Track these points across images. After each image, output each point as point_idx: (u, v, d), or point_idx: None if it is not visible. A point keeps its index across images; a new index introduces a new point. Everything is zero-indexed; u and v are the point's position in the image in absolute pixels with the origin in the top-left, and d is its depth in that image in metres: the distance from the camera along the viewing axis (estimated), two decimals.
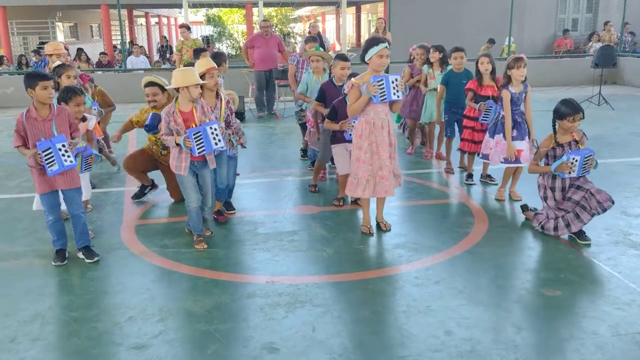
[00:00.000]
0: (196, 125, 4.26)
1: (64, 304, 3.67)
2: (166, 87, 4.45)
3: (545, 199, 4.62)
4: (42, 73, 4.17)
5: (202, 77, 4.52)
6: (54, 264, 4.21)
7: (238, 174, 5.69)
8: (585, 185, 4.40)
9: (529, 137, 5.27)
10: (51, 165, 3.98)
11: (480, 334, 3.21)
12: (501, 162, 5.38)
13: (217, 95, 4.78)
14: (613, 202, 4.32)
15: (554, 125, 4.46)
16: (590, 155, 4.33)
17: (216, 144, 4.29)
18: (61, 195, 4.24)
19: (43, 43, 17.55)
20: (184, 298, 3.69)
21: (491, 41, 14.90)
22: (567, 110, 4.35)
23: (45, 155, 3.95)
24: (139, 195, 5.70)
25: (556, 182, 4.50)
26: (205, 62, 4.68)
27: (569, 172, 4.34)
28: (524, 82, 5.23)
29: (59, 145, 3.99)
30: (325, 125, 5.29)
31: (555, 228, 4.51)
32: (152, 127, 5.03)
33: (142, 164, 5.59)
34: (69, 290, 3.86)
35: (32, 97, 4.01)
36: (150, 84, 5.43)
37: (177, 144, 4.25)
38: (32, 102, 4.04)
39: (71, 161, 4.06)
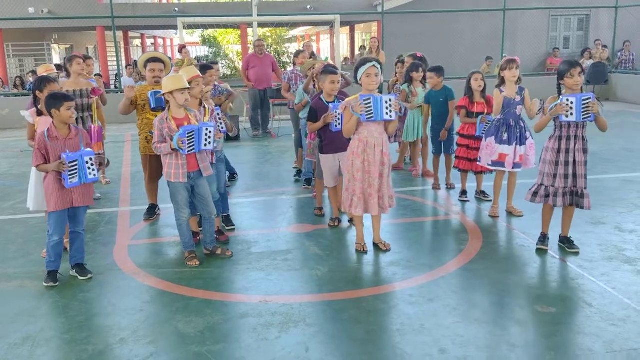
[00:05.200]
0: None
1: (56, 326, 3.63)
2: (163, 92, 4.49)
3: (544, 161, 4.48)
4: (66, 94, 4.23)
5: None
6: (45, 285, 4.17)
7: (229, 185, 5.62)
8: (581, 180, 4.39)
9: (520, 144, 5.27)
10: (72, 178, 4.06)
11: (475, 352, 3.18)
12: (488, 165, 5.40)
13: (201, 103, 4.81)
14: (589, 209, 4.45)
15: (558, 87, 4.41)
16: (589, 98, 4.18)
17: (205, 145, 4.37)
18: None
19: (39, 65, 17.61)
20: (176, 319, 3.66)
21: (489, 58, 15.10)
22: (564, 68, 4.32)
23: (71, 167, 4.03)
24: (151, 215, 5.71)
25: (561, 143, 4.37)
26: (190, 70, 4.74)
27: (567, 116, 4.21)
28: (518, 85, 5.27)
29: (86, 158, 4.11)
30: (308, 128, 5.29)
31: (535, 194, 4.53)
32: (158, 102, 5.00)
33: (156, 166, 5.39)
34: (60, 312, 3.82)
35: (54, 117, 4.10)
36: (155, 59, 5.41)
37: (173, 149, 4.28)
38: (52, 121, 4.13)
39: (94, 175, 4.17)
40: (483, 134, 5.59)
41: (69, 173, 4.04)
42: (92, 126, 6.06)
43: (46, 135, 4.08)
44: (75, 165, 4.06)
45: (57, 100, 4.07)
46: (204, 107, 4.82)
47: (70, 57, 6.37)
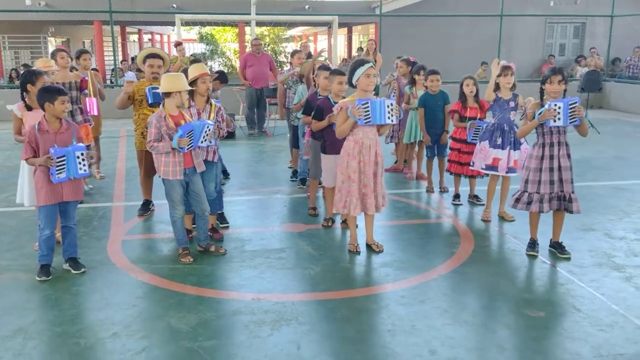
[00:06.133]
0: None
1: (48, 319, 3.64)
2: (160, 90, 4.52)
3: (527, 168, 4.54)
4: (60, 88, 4.22)
5: (195, 81, 4.66)
6: (38, 279, 4.17)
7: (223, 183, 5.64)
8: (567, 185, 4.44)
9: (514, 149, 5.32)
10: (60, 173, 4.05)
11: (464, 354, 3.22)
12: (482, 169, 5.46)
13: (208, 100, 4.83)
14: (579, 212, 4.50)
15: (540, 92, 4.48)
16: (575, 103, 4.26)
17: (202, 142, 4.42)
18: None
19: (35, 58, 17.57)
20: (169, 314, 3.67)
21: (484, 63, 15.18)
22: (546, 74, 4.42)
23: (58, 162, 4.02)
24: (145, 210, 5.72)
25: (545, 150, 4.42)
26: (198, 68, 4.75)
27: (555, 120, 4.28)
28: (513, 91, 5.34)
29: (77, 153, 4.10)
30: (313, 127, 5.31)
31: (517, 200, 4.58)
32: (156, 98, 5.02)
33: (152, 161, 5.35)
34: (52, 305, 3.83)
35: (47, 111, 4.09)
36: (154, 55, 5.41)
37: (173, 148, 4.30)
38: (44, 115, 4.12)
39: (85, 170, 4.17)
40: (474, 140, 5.67)
41: (57, 168, 4.03)
42: (88, 99, 6.10)
43: (37, 128, 4.08)
44: (63, 160, 4.04)
45: (51, 94, 4.07)
46: (210, 104, 4.83)
47: (54, 51, 6.40)
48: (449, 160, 6.07)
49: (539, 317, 3.65)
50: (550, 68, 4.49)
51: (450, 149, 6.05)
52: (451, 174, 6.08)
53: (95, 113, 6.29)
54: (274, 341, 3.35)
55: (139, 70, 13.15)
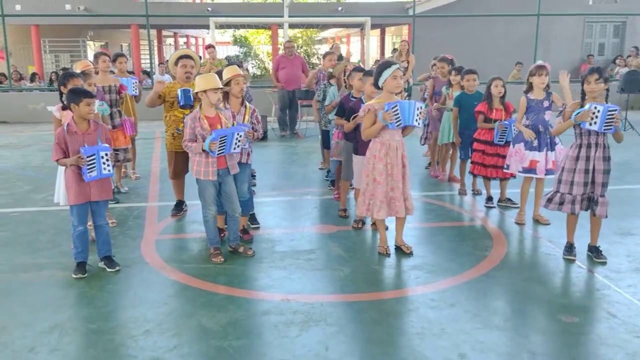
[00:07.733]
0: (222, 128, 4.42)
1: (83, 316, 3.73)
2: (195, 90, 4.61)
3: (562, 168, 4.49)
4: (86, 90, 4.32)
5: (228, 83, 4.71)
6: (74, 276, 4.28)
7: (254, 183, 5.69)
8: (598, 188, 4.35)
9: (550, 150, 5.22)
10: (91, 171, 4.15)
11: (495, 359, 3.17)
12: (518, 172, 5.37)
13: (243, 102, 4.87)
14: (605, 217, 4.42)
15: (582, 93, 4.40)
16: (615, 111, 4.17)
17: (234, 148, 4.46)
18: None
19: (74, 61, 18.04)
20: (200, 313, 3.72)
21: (519, 63, 14.96)
22: (584, 74, 4.36)
23: (89, 161, 4.12)
24: (178, 210, 5.82)
25: (581, 151, 4.36)
26: (232, 69, 4.80)
27: (590, 124, 4.21)
28: (547, 91, 5.23)
29: (102, 153, 4.19)
30: (345, 127, 5.30)
31: (550, 200, 4.53)
32: (187, 100, 5.10)
33: (181, 162, 5.54)
34: (88, 303, 3.93)
35: (74, 112, 4.20)
36: (186, 56, 5.53)
37: (204, 150, 4.36)
38: (72, 116, 4.23)
39: (109, 170, 4.25)
40: (500, 142, 5.60)
41: (88, 167, 4.13)
42: (127, 119, 6.26)
43: (65, 130, 4.19)
44: (93, 158, 4.14)
45: (77, 95, 4.17)
46: (245, 106, 4.87)
47: (97, 54, 6.57)
48: (472, 162, 5.99)
49: (573, 323, 3.57)
50: (589, 68, 4.41)
51: (474, 150, 5.97)
52: (475, 176, 6.01)
53: (132, 132, 6.44)
54: (302, 342, 3.36)
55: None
